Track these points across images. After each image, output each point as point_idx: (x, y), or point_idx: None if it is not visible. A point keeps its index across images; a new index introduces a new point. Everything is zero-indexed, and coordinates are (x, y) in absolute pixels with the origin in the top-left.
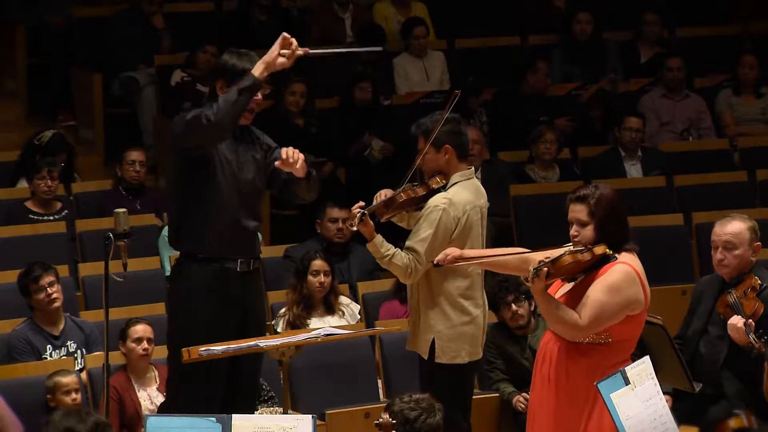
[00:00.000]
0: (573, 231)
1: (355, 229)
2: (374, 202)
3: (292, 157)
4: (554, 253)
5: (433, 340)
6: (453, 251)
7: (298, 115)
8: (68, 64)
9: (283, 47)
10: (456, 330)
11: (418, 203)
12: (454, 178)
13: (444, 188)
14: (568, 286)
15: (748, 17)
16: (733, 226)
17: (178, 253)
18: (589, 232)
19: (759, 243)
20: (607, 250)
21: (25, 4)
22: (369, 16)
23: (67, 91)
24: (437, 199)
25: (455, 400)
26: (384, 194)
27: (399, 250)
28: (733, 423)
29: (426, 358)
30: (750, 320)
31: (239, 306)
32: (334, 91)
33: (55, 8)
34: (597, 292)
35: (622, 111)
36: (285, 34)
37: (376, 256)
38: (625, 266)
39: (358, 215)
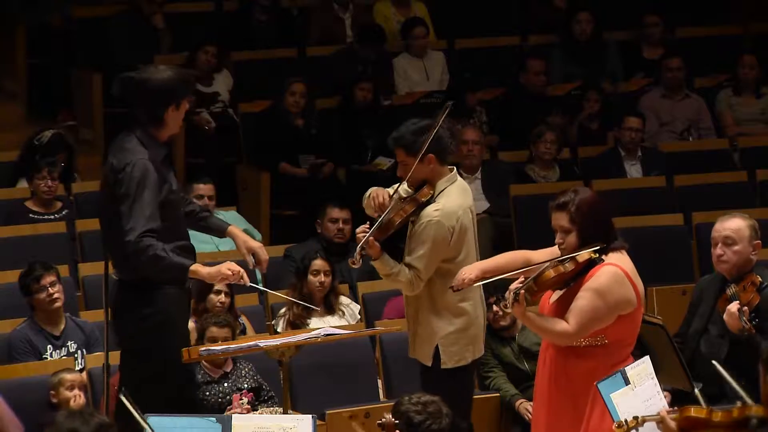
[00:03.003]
0: (558, 239)
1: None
2: (369, 202)
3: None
4: (542, 255)
5: (437, 347)
6: (469, 273)
7: (298, 115)
8: (68, 64)
9: (233, 274)
10: (459, 333)
11: (409, 219)
12: (440, 185)
13: (432, 198)
14: (560, 292)
15: (748, 17)
16: (733, 223)
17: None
18: (572, 238)
19: (759, 241)
20: (593, 255)
21: (25, 4)
22: (369, 16)
23: (67, 91)
24: (429, 212)
25: (462, 402)
26: (379, 194)
27: (403, 266)
28: None
29: (429, 365)
30: (745, 307)
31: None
32: (334, 91)
33: (55, 8)
34: (584, 297)
35: (622, 111)
36: (243, 275)
37: (382, 272)
38: (612, 267)
39: (362, 240)
